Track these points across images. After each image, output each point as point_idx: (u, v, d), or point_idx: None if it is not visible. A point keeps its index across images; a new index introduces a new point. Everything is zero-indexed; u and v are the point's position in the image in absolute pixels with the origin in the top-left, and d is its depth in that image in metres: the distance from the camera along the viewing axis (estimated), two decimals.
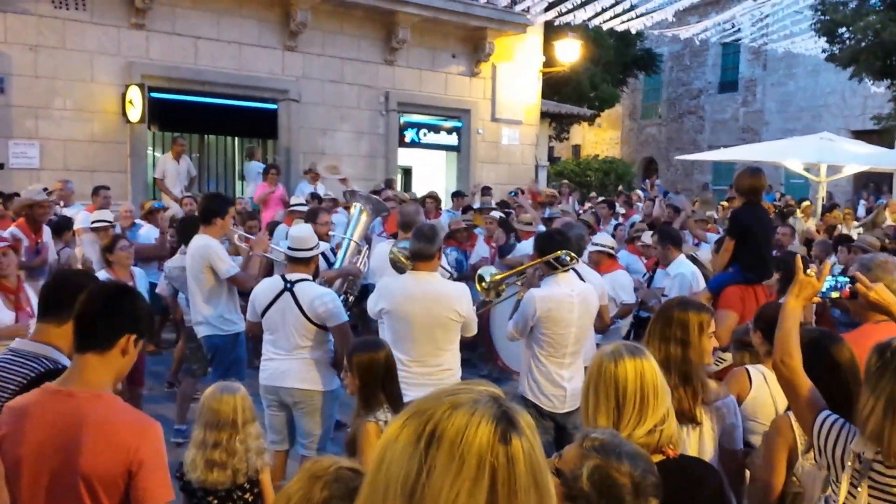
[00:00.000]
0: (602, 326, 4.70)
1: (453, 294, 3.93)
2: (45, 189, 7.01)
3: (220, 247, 4.92)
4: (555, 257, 4.05)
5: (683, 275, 5.43)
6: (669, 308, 2.58)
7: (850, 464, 1.98)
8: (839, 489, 2.00)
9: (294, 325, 4.08)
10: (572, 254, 4.12)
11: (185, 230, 5.51)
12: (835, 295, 2.40)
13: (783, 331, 2.23)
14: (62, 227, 6.94)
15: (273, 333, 4.16)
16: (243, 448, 2.79)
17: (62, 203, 8.04)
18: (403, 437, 0.96)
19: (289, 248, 4.24)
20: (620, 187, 11.75)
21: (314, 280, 4.41)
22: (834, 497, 2.04)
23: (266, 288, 4.21)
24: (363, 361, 2.98)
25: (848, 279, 2.41)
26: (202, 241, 4.82)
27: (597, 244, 5.87)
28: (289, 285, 4.11)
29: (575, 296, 4.06)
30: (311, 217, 6.03)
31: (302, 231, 4.31)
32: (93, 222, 6.62)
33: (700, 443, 2.50)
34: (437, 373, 3.91)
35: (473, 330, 4.07)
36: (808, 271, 2.26)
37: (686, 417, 2.42)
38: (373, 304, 4.06)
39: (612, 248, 5.94)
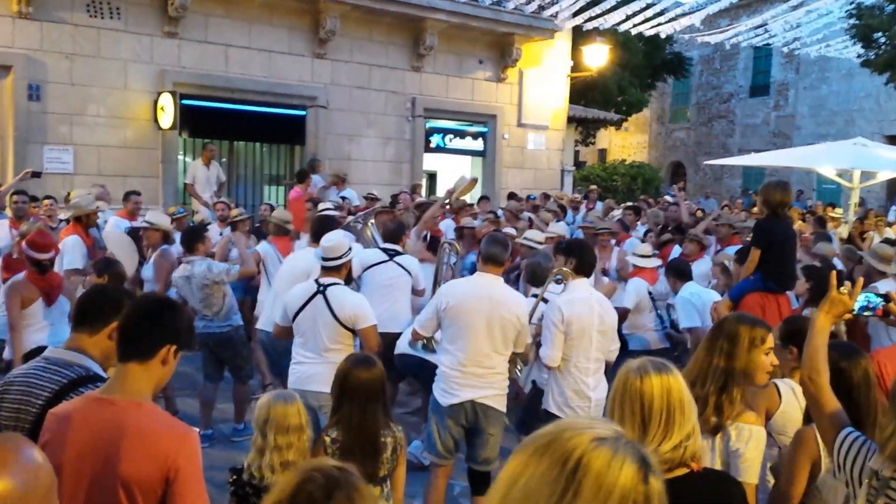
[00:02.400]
0: None
1: (518, 300, 4.13)
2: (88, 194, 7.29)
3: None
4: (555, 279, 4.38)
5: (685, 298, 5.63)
6: (723, 321, 2.59)
7: (867, 481, 1.99)
8: None
9: (324, 327, 4.18)
10: (565, 270, 4.32)
11: (189, 241, 5.67)
12: (867, 314, 2.38)
13: (812, 348, 2.24)
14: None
15: (303, 336, 4.27)
16: (309, 447, 2.95)
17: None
18: (546, 462, 1.04)
19: (322, 258, 4.35)
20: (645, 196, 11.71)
21: (347, 286, 4.52)
22: None
23: (299, 291, 4.33)
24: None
25: (881, 298, 2.39)
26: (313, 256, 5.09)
27: (636, 255, 6.20)
28: (321, 289, 4.22)
29: (594, 299, 4.21)
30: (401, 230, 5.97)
31: (331, 240, 4.40)
32: (145, 222, 6.67)
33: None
34: (489, 375, 4.01)
35: (525, 342, 4.15)
36: (842, 289, 2.26)
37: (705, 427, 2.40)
38: (436, 303, 4.12)
39: (649, 256, 6.16)
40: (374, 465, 3.00)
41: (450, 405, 4.01)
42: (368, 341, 4.20)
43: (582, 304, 4.10)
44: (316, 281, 4.32)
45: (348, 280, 4.58)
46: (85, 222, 6.43)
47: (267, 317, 5.50)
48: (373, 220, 6.75)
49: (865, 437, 2.08)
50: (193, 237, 5.67)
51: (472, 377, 3.98)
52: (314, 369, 4.17)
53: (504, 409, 4.10)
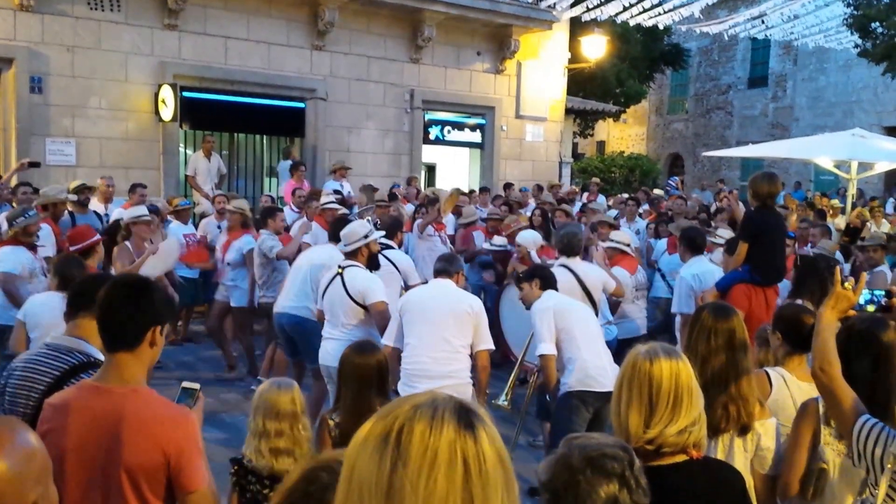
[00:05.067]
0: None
1: (469, 296, 4.39)
2: (83, 185, 7.34)
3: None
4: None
5: (683, 278, 5.57)
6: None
7: (889, 466, 2.01)
8: (878, 491, 2.03)
9: (341, 303, 4.64)
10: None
11: (262, 217, 6.69)
12: (870, 308, 2.42)
13: (820, 341, 2.26)
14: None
15: (328, 314, 4.74)
16: (306, 435, 2.90)
17: (105, 201, 8.28)
18: (372, 439, 1.01)
19: (343, 245, 4.91)
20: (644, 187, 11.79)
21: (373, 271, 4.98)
22: (871, 500, 2.07)
23: (326, 276, 4.90)
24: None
25: (884, 293, 2.44)
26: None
27: (612, 240, 6.15)
28: (340, 270, 4.74)
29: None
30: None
31: (346, 228, 4.98)
32: (136, 217, 6.65)
33: (728, 455, 2.54)
34: (447, 362, 4.11)
35: (485, 339, 4.22)
36: (846, 284, 2.28)
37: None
38: (396, 309, 4.36)
39: (628, 245, 6.09)
40: None
41: None
42: (378, 317, 4.53)
43: (562, 296, 4.49)
44: (339, 265, 4.82)
45: (374, 266, 4.92)
46: (52, 212, 6.47)
47: (280, 302, 5.78)
48: (369, 217, 7.07)
49: (884, 423, 2.10)
50: (265, 215, 6.65)
51: (430, 364, 4.08)
52: (332, 345, 4.53)
53: None
